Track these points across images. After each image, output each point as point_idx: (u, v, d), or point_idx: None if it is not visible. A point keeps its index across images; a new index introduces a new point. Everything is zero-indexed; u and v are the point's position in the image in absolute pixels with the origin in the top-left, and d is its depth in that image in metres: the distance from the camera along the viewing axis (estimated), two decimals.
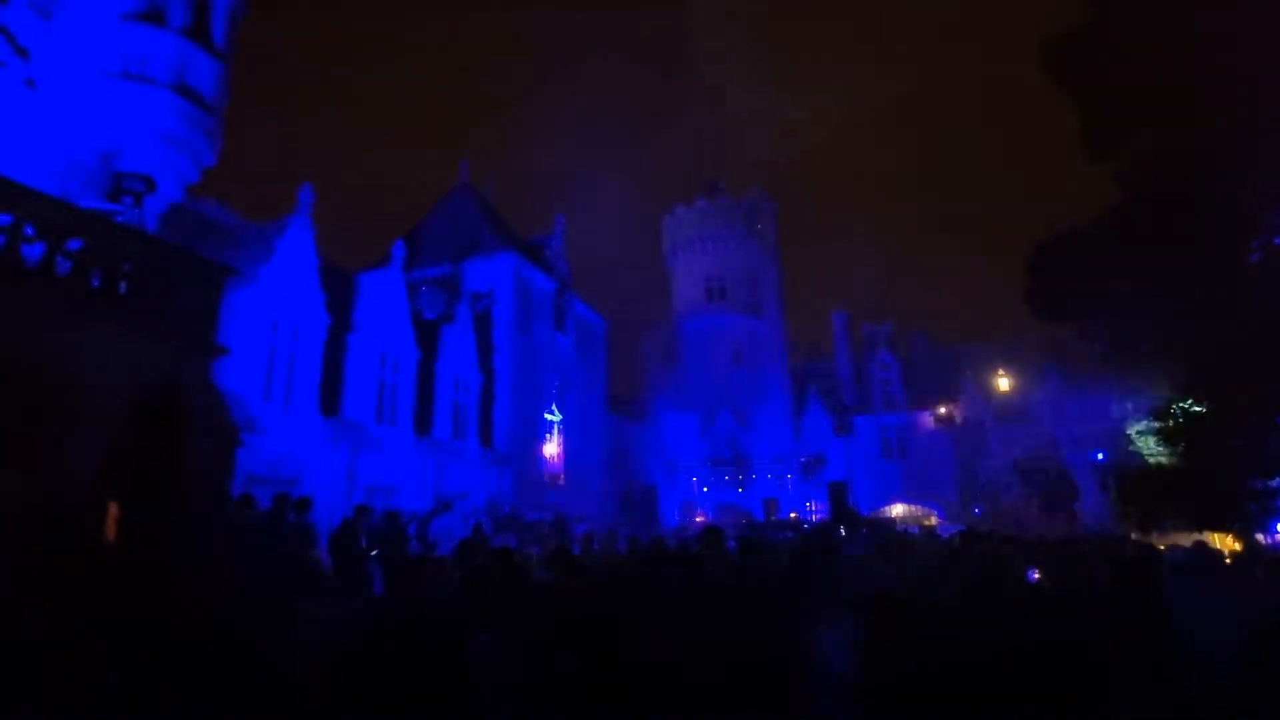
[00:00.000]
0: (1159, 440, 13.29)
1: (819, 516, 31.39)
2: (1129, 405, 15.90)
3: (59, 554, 6.41)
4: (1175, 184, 11.57)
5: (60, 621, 4.64)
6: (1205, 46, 11.13)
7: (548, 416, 24.67)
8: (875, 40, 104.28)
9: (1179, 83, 11.20)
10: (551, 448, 24.70)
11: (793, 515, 30.96)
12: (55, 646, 3.45)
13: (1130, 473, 13.47)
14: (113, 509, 6.88)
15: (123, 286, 7.05)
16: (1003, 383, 35.79)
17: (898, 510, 35.36)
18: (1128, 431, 15.32)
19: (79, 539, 6.85)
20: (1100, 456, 25.01)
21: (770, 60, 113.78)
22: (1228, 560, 7.61)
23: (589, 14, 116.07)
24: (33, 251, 6.38)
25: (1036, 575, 5.13)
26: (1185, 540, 9.41)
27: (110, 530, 6.79)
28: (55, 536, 6.71)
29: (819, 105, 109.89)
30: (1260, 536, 11.32)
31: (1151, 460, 13.44)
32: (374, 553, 9.65)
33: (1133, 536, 12.54)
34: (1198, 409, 12.25)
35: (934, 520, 29.91)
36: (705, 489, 36.38)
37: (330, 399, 15.99)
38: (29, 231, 6.29)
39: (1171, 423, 12.78)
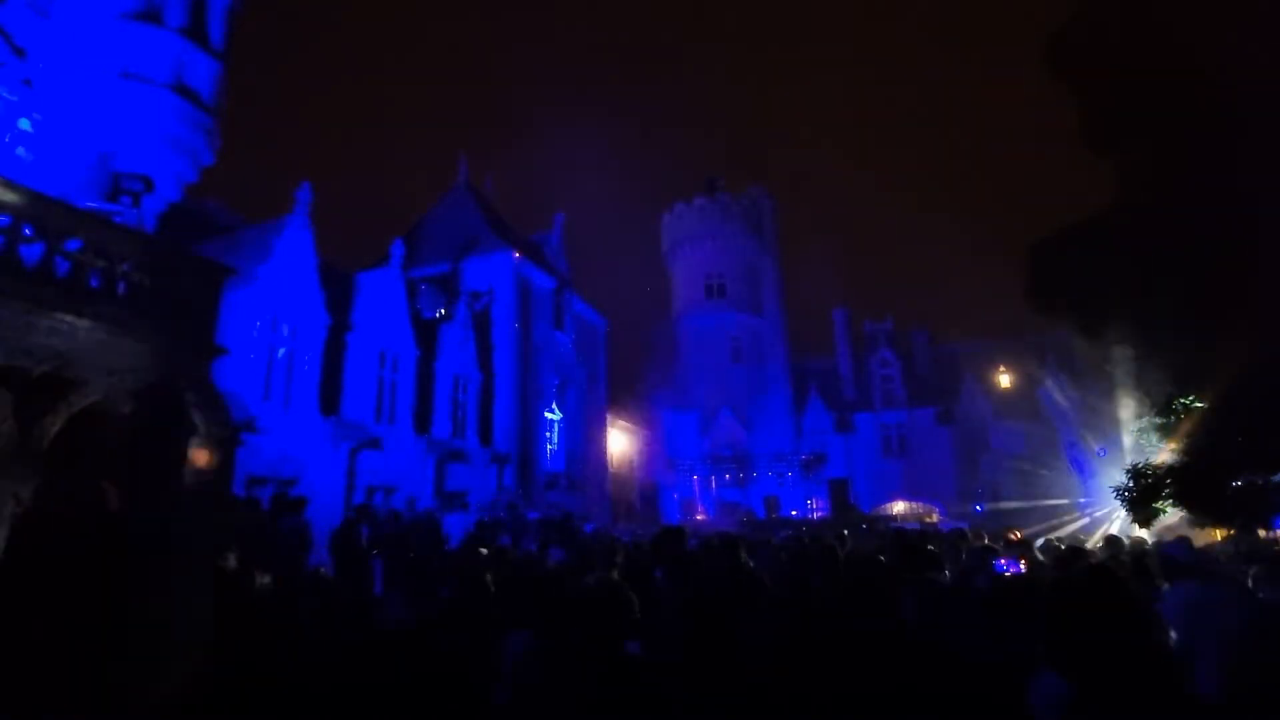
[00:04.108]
0: (1160, 436, 13.28)
1: (820, 514, 31.44)
2: (1130, 401, 15.88)
3: (61, 554, 6.40)
4: (1176, 178, 11.56)
5: (63, 621, 4.64)
6: (1207, 43, 11.11)
7: (547, 415, 24.65)
8: (876, 38, 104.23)
9: (1181, 78, 11.19)
10: (551, 446, 24.69)
11: (792, 514, 31.01)
12: (57, 646, 3.45)
13: (1131, 469, 13.45)
14: (114, 510, 6.87)
15: (121, 287, 7.03)
16: (1003, 379, 35.83)
17: (898, 508, 35.38)
18: (1129, 427, 15.30)
19: (81, 538, 6.84)
20: (1102, 453, 24.99)
21: (771, 58, 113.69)
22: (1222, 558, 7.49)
23: (590, 14, 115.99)
24: (31, 252, 6.36)
25: (1021, 566, 5.05)
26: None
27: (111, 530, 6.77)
28: (57, 537, 6.70)
29: (819, 104, 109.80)
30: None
31: (1154, 458, 13.42)
32: (374, 551, 9.67)
33: (1133, 534, 12.52)
34: (1199, 404, 12.23)
35: (935, 517, 29.91)
36: (706, 487, 36.40)
37: (330, 398, 15.97)
38: (27, 232, 6.27)
39: (1173, 418, 12.76)
